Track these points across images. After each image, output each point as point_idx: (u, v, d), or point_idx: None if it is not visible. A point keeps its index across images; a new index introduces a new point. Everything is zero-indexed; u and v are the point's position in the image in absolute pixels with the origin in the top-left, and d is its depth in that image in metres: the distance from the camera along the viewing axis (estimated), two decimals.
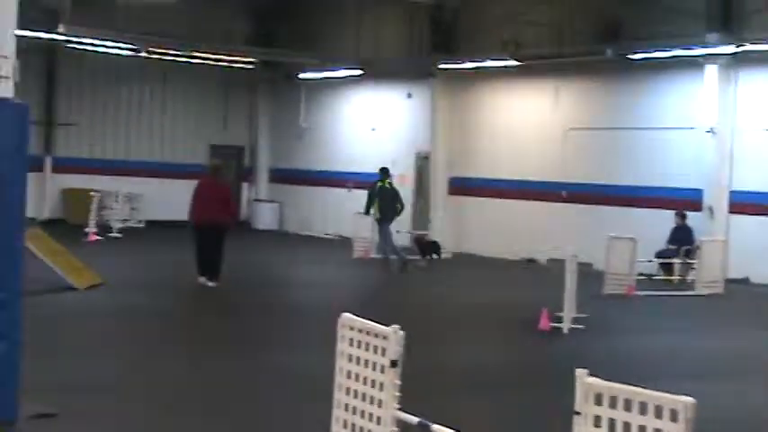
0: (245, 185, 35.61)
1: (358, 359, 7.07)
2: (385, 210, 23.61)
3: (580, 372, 5.55)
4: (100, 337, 13.47)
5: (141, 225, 31.07)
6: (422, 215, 29.01)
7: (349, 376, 7.16)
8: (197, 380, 10.95)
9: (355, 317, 7.19)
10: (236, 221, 20.43)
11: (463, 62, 27.52)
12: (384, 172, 24.17)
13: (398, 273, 22.79)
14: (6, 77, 8.32)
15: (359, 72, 30.25)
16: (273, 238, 31.68)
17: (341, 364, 7.26)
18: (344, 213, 29.13)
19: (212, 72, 33.12)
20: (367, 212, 23.97)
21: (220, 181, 19.38)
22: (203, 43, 28.96)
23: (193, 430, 8.97)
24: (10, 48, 8.38)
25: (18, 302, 8.35)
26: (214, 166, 20.03)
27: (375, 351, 6.87)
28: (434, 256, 24.73)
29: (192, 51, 29.30)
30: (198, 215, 18.36)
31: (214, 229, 18.28)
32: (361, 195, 30.09)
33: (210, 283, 18.39)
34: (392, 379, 6.73)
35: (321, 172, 33.08)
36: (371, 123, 31.57)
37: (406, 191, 30.03)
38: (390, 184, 24.06)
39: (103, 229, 27.63)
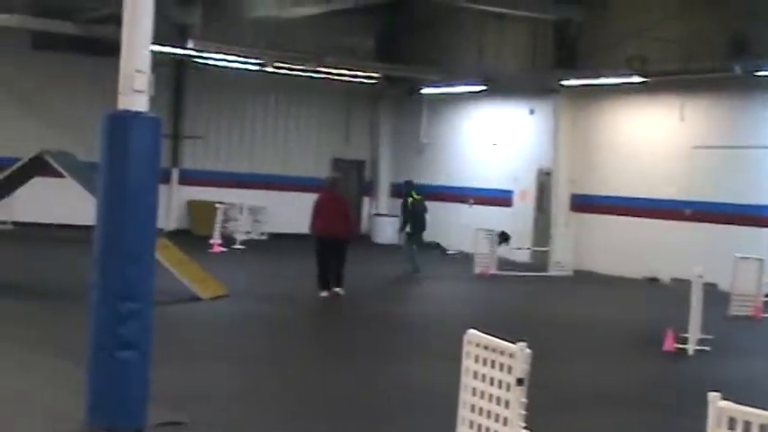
0: (365, 199, 35.77)
1: (483, 376, 7.02)
2: (418, 225, 24.72)
3: (713, 395, 5.42)
4: (225, 346, 13.66)
5: (264, 237, 31.40)
6: (543, 231, 28.77)
7: (474, 393, 7.12)
8: (319, 389, 11.04)
9: (481, 333, 7.16)
10: (355, 234, 20.57)
11: (587, 78, 27.25)
12: (410, 185, 25.26)
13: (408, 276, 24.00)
14: (142, 91, 8.50)
15: (481, 87, 30.17)
16: (393, 252, 31.68)
17: (466, 380, 7.22)
18: (465, 229, 29.06)
19: (336, 87, 33.41)
20: (403, 228, 24.99)
21: (339, 194, 19.76)
22: (328, 58, 29.20)
23: None
24: (145, 63, 8.57)
25: (149, 312, 8.52)
26: (332, 179, 20.30)
27: (501, 368, 6.83)
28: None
29: (316, 66, 29.56)
30: (319, 228, 18.79)
31: (335, 241, 18.69)
32: (483, 210, 30.23)
33: (338, 289, 18.82)
34: (518, 397, 6.67)
35: (441, 187, 33.03)
36: (493, 139, 31.45)
37: (527, 207, 29.95)
38: (419, 196, 24.97)
39: (227, 240, 28.02)
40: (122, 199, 8.41)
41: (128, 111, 8.48)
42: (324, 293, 18.73)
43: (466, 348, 7.22)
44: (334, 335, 15.54)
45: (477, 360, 7.11)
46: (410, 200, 24.76)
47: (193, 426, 8.80)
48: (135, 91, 8.49)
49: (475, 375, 7.12)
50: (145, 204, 8.53)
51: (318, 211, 18.87)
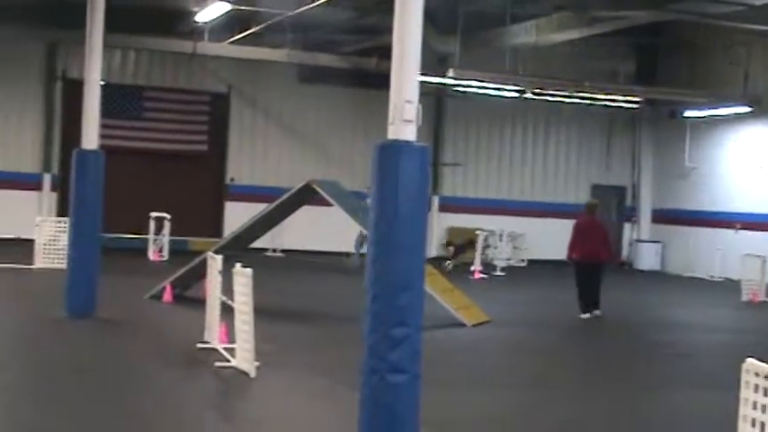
0: (626, 226, 35.13)
1: (764, 407, 6.77)
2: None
3: None
4: (489, 371, 13.72)
5: (523, 264, 31.38)
6: None
7: (753, 425, 6.86)
8: (582, 415, 10.91)
9: (760, 362, 6.91)
10: (611, 258, 20.53)
11: None
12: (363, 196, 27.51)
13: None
14: (411, 121, 8.68)
15: (747, 109, 29.16)
16: (656, 279, 31.06)
17: (744, 411, 6.97)
18: (731, 255, 28.14)
19: (595, 112, 33.10)
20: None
21: (597, 219, 20.06)
22: (587, 83, 28.95)
23: None
24: (414, 93, 8.74)
25: (419, 337, 8.65)
26: (591, 205, 20.62)
27: None
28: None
29: (576, 91, 29.35)
30: (578, 252, 19.25)
31: (593, 265, 19.11)
32: (750, 236, 29.15)
33: (597, 312, 19.08)
34: None
35: (706, 212, 32.12)
36: (760, 162, 30.32)
37: None
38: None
39: (487, 267, 28.18)
40: (393, 227, 8.60)
41: (398, 140, 8.68)
42: (585, 315, 19.04)
43: (744, 378, 6.97)
44: (595, 361, 15.33)
45: (756, 390, 6.86)
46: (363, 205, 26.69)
47: None
48: (404, 121, 8.68)
49: (754, 406, 6.87)
50: (415, 232, 8.69)
51: (577, 235, 19.37)
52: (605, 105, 31.89)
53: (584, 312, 19.07)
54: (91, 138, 16.23)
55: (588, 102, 30.96)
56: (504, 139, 34.21)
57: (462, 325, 16.87)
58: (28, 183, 29.93)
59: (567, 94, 29.88)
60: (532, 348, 16.04)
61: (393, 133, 8.71)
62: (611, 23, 23.82)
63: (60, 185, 29.52)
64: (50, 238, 23.29)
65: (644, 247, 34.39)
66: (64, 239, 21.73)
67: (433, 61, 26.52)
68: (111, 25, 16.86)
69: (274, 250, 29.63)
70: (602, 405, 11.67)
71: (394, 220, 8.58)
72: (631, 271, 32.87)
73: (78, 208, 16.24)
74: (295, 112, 32.14)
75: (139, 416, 9.86)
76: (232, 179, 31.63)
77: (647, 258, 33.96)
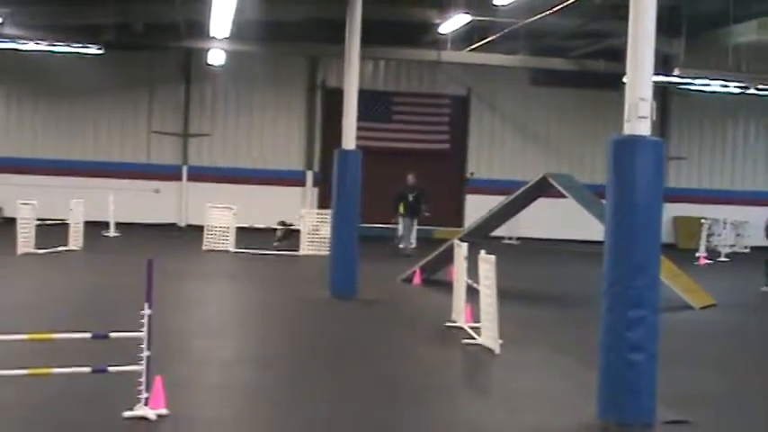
0: None
1: None
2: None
3: None
4: (715, 353, 13.29)
5: (747, 250, 30.15)
6: None
7: None
8: None
9: None
10: None
11: None
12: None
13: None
14: (645, 117, 8.53)
15: None
16: None
17: None
18: None
19: None
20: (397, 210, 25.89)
21: None
22: None
23: None
24: (648, 91, 8.61)
25: (655, 318, 8.48)
26: None
27: None
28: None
29: None
30: None
31: None
32: None
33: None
34: None
35: None
36: None
37: None
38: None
39: (712, 253, 27.28)
40: (630, 216, 8.47)
41: (633, 135, 8.54)
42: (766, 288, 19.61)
43: None
44: None
45: None
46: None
47: (695, 426, 8.63)
48: (639, 117, 8.54)
49: None
50: (650, 221, 8.54)
51: None
52: None
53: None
54: (350, 139, 16.64)
55: None
56: (726, 134, 33.04)
57: (690, 308, 16.41)
58: (293, 179, 31.06)
59: None
60: (755, 333, 15.43)
61: (629, 129, 8.60)
62: None
63: (321, 181, 30.50)
64: (313, 228, 24.09)
65: None
66: (324, 229, 22.56)
67: (657, 61, 25.80)
68: (365, 39, 17.19)
69: (510, 238, 29.55)
70: None
71: (631, 211, 8.46)
72: None
73: (340, 200, 16.67)
74: (527, 112, 32.02)
75: (399, 387, 10.04)
76: (471, 174, 31.78)
77: None
